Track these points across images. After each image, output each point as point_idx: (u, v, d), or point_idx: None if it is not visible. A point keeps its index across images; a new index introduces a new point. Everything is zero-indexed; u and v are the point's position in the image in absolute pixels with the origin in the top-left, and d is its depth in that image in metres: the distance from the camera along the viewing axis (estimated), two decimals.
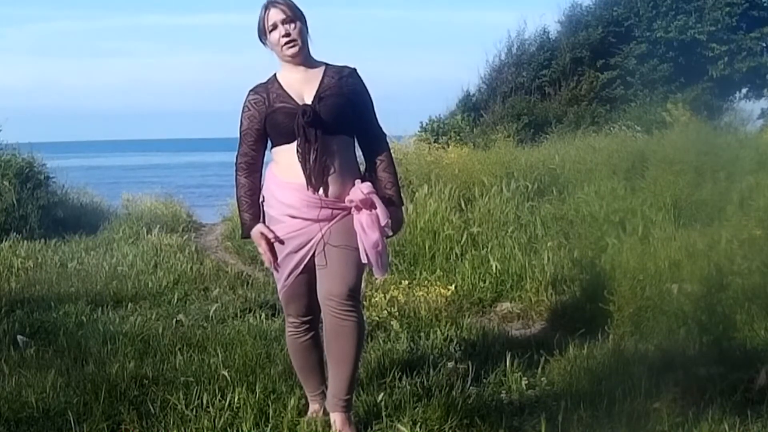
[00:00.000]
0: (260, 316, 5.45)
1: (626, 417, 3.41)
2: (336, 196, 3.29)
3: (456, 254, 6.80)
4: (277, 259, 3.36)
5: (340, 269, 3.26)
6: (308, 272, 3.34)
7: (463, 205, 8.10)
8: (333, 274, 3.25)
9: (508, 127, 14.40)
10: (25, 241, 9.39)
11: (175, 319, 5.42)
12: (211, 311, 5.54)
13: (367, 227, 3.26)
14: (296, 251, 3.32)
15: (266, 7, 3.32)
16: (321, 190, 3.27)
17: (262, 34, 3.35)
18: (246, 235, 3.46)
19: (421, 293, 5.68)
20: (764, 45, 22.03)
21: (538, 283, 5.87)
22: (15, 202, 10.47)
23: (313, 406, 3.54)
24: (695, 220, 6.92)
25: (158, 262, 7.72)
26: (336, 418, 3.32)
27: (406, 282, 6.02)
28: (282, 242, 3.34)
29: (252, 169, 3.43)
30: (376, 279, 5.85)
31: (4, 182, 10.74)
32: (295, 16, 3.31)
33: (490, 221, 7.52)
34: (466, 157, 10.46)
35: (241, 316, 5.50)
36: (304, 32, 3.33)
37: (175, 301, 6.11)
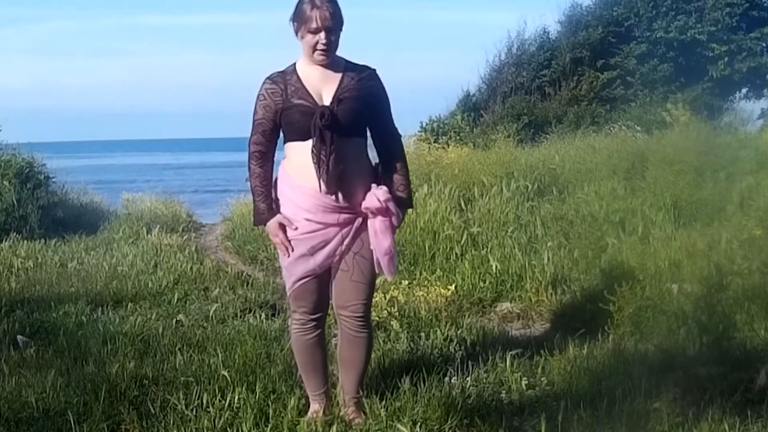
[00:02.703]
0: (260, 316, 5.44)
1: (626, 417, 3.41)
2: (350, 200, 3.30)
3: (456, 254, 6.80)
4: (291, 251, 3.35)
5: (359, 283, 3.35)
6: (318, 277, 3.36)
7: (463, 205, 8.10)
8: (352, 288, 3.33)
9: (508, 127, 14.36)
10: (25, 241, 9.38)
11: (175, 319, 5.42)
12: (211, 311, 5.53)
13: (380, 233, 3.31)
14: (311, 254, 3.32)
15: (313, 4, 3.23)
16: (335, 195, 3.27)
17: (301, 25, 3.26)
18: (259, 223, 3.42)
19: (421, 293, 5.67)
20: (764, 45, 22.04)
21: (538, 283, 5.87)
22: (15, 202, 10.45)
23: (314, 406, 3.54)
24: (695, 220, 6.92)
25: (158, 262, 7.71)
26: (349, 409, 3.49)
27: (406, 282, 6.02)
28: (293, 228, 3.34)
29: (265, 158, 3.41)
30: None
31: (4, 182, 10.73)
32: (339, 25, 3.28)
33: (490, 221, 7.52)
34: (466, 157, 10.45)
35: (241, 316, 5.50)
36: (338, 39, 3.31)
37: (175, 301, 6.11)
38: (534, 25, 32.55)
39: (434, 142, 12.92)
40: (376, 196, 3.29)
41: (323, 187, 3.24)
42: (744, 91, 23.01)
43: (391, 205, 3.30)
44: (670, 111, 11.93)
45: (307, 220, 3.31)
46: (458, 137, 15.92)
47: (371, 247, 3.34)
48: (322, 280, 3.38)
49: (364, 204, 3.31)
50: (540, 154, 10.91)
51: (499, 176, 8.78)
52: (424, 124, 18.98)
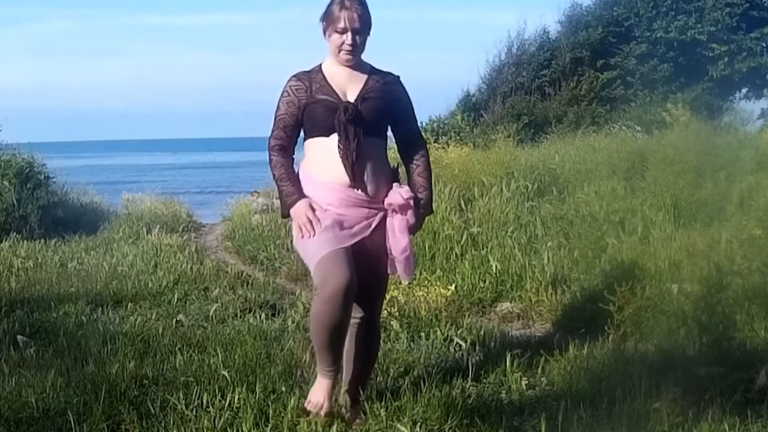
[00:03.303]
0: (260, 316, 5.45)
1: (626, 417, 3.41)
2: (373, 196, 3.31)
3: (456, 254, 6.80)
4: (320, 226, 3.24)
5: (372, 285, 3.33)
6: (348, 250, 3.22)
7: (463, 205, 8.10)
8: (364, 289, 3.27)
9: (508, 127, 14.35)
10: (25, 241, 9.39)
11: (175, 319, 5.42)
12: (211, 311, 5.54)
13: (398, 231, 3.32)
14: (338, 224, 3.23)
15: (342, 5, 3.27)
16: (359, 188, 3.27)
17: (329, 25, 3.30)
18: (290, 206, 3.30)
19: (421, 293, 5.67)
20: (764, 45, 22.01)
21: (538, 283, 5.87)
22: (15, 202, 10.46)
23: (324, 381, 3.35)
24: (695, 220, 6.92)
25: (158, 262, 7.72)
26: (350, 409, 3.49)
27: (407, 281, 6.01)
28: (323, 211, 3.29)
29: (286, 151, 3.39)
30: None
31: (4, 182, 10.73)
32: (366, 27, 3.32)
33: (490, 221, 7.52)
34: (466, 157, 10.44)
35: (241, 316, 5.51)
36: (364, 42, 3.34)
37: (175, 301, 6.11)
38: (534, 25, 32.60)
39: (434, 142, 12.92)
40: (400, 193, 3.31)
41: (351, 179, 3.24)
42: (744, 91, 22.98)
43: (413, 204, 3.32)
44: (670, 111, 11.93)
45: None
46: (458, 137, 15.91)
47: (388, 246, 3.34)
48: (348, 255, 3.19)
49: (387, 200, 3.32)
50: (540, 154, 10.90)
51: (499, 176, 8.77)
52: (424, 124, 18.96)
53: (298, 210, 3.29)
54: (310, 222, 3.25)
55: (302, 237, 3.28)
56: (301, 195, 3.31)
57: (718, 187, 7.59)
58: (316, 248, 3.22)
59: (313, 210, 3.28)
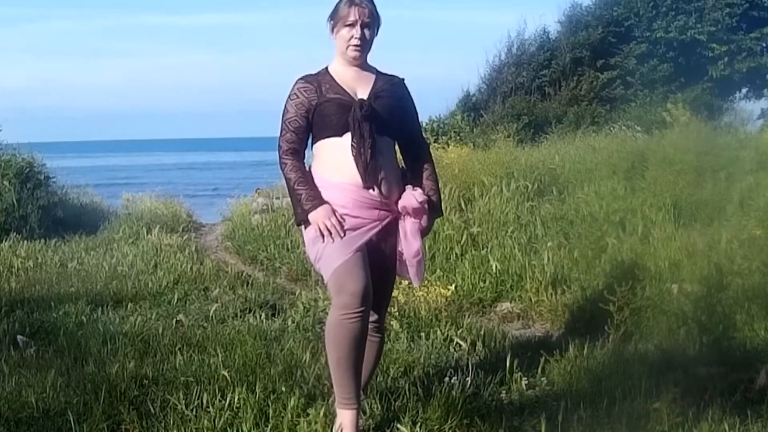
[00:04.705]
0: (260, 316, 5.45)
1: (626, 417, 3.41)
2: (386, 197, 3.28)
3: (456, 254, 6.81)
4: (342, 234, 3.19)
5: (380, 287, 3.28)
6: (362, 251, 3.20)
7: (463, 205, 8.10)
8: (376, 299, 3.24)
9: (508, 127, 14.33)
10: (25, 241, 9.39)
11: (175, 319, 5.42)
12: (211, 311, 5.54)
13: (411, 235, 3.30)
14: (351, 229, 3.21)
15: (352, 2, 3.26)
16: (374, 189, 3.23)
17: (337, 22, 3.29)
18: (311, 210, 3.19)
19: (421, 293, 5.67)
20: (764, 45, 22.03)
21: (538, 283, 5.87)
22: (15, 202, 10.46)
23: (345, 413, 3.19)
24: (695, 220, 6.92)
25: (158, 262, 7.72)
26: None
27: (406, 282, 6.01)
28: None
29: (298, 155, 3.33)
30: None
31: (4, 182, 10.73)
32: (374, 23, 3.30)
33: (490, 221, 7.52)
34: (466, 157, 10.44)
35: (241, 316, 5.51)
36: (372, 39, 3.33)
37: (175, 301, 6.11)
38: (534, 25, 32.61)
39: (434, 142, 12.92)
40: (414, 196, 3.29)
41: (364, 178, 3.20)
42: (744, 91, 23.00)
43: (427, 208, 3.32)
44: (670, 111, 11.92)
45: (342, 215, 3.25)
46: (458, 137, 15.90)
47: (399, 249, 3.33)
48: (364, 262, 3.17)
49: (401, 203, 3.29)
50: (540, 154, 10.89)
51: (499, 176, 8.77)
52: (424, 124, 18.94)
53: (320, 215, 3.19)
54: (334, 227, 3.17)
55: (322, 240, 3.19)
56: (322, 200, 3.22)
57: (718, 187, 7.59)
58: (330, 257, 3.17)
59: (335, 214, 3.20)
